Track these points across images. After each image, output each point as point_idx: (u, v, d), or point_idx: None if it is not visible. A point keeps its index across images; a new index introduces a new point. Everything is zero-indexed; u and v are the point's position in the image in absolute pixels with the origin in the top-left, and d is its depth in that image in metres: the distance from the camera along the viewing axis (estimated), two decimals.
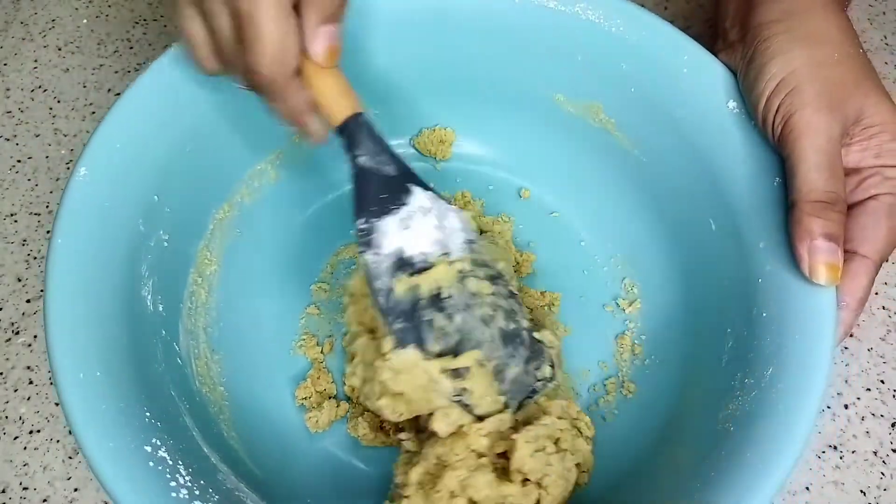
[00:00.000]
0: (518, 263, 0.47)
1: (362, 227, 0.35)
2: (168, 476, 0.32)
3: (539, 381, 0.37)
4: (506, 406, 0.36)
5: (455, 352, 0.35)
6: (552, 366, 0.38)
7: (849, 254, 0.35)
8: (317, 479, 0.41)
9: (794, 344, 0.34)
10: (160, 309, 0.38)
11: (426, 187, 0.36)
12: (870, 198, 0.35)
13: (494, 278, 0.37)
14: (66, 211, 0.35)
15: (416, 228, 0.35)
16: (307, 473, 0.41)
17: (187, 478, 0.32)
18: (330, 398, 0.43)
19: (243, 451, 0.39)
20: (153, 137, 0.38)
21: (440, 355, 0.35)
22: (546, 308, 0.46)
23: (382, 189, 0.35)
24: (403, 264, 0.35)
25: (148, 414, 0.33)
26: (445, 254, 0.35)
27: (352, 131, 0.35)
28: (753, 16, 0.39)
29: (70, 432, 0.42)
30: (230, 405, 0.41)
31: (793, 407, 0.32)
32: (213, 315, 0.43)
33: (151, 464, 0.32)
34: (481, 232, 0.48)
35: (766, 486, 0.31)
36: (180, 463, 0.33)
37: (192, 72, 0.39)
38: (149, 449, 0.32)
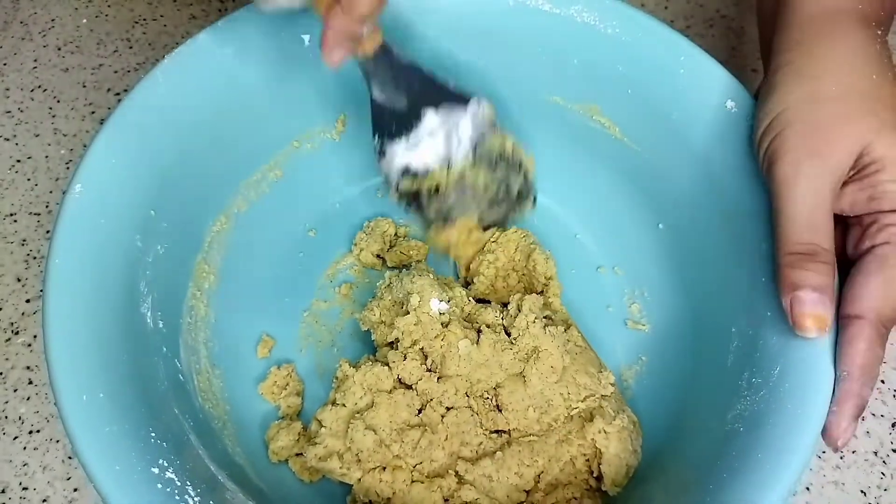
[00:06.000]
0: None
1: (376, 144, 0.41)
2: (177, 498, 0.31)
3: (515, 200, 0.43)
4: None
5: (446, 217, 0.42)
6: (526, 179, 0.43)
7: (847, 318, 0.32)
8: (323, 494, 0.40)
9: (799, 342, 0.34)
10: (160, 325, 0.38)
11: (442, 99, 0.40)
12: (867, 250, 0.33)
13: (496, 163, 0.42)
14: (63, 230, 0.34)
15: (422, 148, 0.41)
16: (313, 488, 0.40)
17: (196, 499, 0.32)
18: None
19: (249, 468, 0.38)
20: (148, 152, 0.38)
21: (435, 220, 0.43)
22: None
23: (394, 118, 0.40)
24: (407, 172, 0.41)
25: (153, 434, 0.33)
26: (447, 163, 0.41)
27: (370, 67, 0.38)
28: (774, 43, 0.37)
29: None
30: (233, 420, 0.40)
31: (802, 405, 0.32)
32: (213, 329, 0.42)
33: (160, 486, 0.31)
34: None
35: (779, 484, 0.31)
36: (188, 483, 0.32)
37: (185, 82, 0.39)
38: (156, 471, 0.31)
